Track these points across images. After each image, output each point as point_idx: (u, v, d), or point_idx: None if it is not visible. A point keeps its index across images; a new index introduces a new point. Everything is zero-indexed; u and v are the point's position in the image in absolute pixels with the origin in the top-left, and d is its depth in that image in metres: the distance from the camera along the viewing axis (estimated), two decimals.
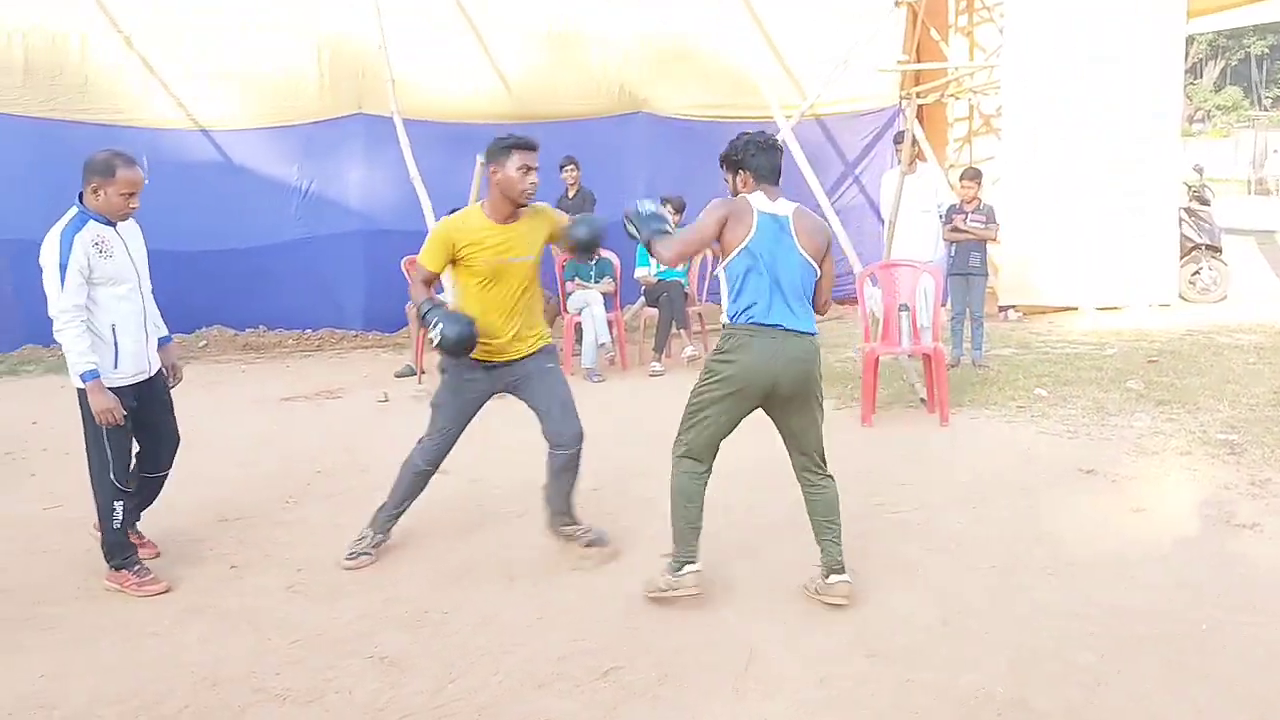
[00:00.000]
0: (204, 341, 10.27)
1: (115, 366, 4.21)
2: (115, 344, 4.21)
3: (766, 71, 11.15)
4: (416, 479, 4.53)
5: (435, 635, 3.77)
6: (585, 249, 4.44)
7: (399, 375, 8.80)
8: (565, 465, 4.44)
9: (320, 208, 10.51)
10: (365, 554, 4.46)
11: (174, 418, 4.60)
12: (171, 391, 4.64)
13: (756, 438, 6.13)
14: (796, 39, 11.57)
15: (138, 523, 4.65)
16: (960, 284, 8.23)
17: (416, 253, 8.75)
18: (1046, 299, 10.76)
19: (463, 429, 4.54)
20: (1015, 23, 10.89)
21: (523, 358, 4.43)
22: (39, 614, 4.02)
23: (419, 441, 4.55)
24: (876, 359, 6.83)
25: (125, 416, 4.16)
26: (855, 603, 3.88)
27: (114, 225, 4.23)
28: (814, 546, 4.49)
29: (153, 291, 4.57)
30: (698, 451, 3.92)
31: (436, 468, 4.54)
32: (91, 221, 4.14)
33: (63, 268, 4.03)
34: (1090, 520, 4.73)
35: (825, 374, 7.90)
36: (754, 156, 3.92)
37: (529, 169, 4.25)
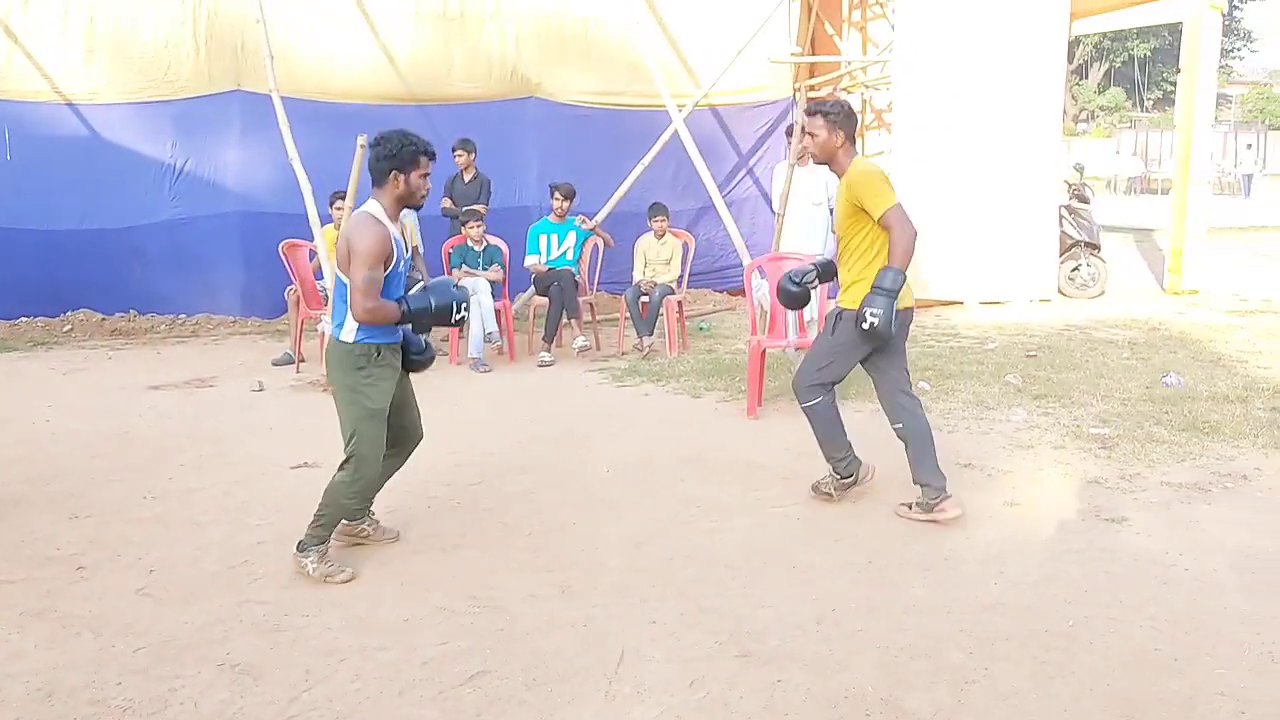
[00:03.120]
0: (69, 325, 9.78)
1: None
2: None
3: (661, 60, 11.07)
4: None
5: (294, 640, 3.60)
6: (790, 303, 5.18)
7: (276, 363, 8.49)
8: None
9: (196, 188, 10.07)
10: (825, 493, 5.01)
11: None
12: None
13: (645, 435, 6.08)
14: (691, 27, 11.50)
15: None
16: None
17: (296, 236, 8.61)
18: (933, 293, 10.93)
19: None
20: (906, 19, 11.00)
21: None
22: None
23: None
24: (763, 351, 6.82)
25: None
26: (725, 601, 3.83)
27: None
28: (692, 541, 4.47)
29: None
30: None
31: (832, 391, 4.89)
32: None
33: None
34: (966, 514, 4.76)
35: (715, 366, 7.96)
36: None
37: (802, 131, 4.82)
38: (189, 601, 3.91)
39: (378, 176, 4.03)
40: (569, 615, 3.77)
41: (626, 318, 9.17)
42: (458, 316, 4.04)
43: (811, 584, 4.02)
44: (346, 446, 4.07)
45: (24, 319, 9.78)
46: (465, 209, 9.09)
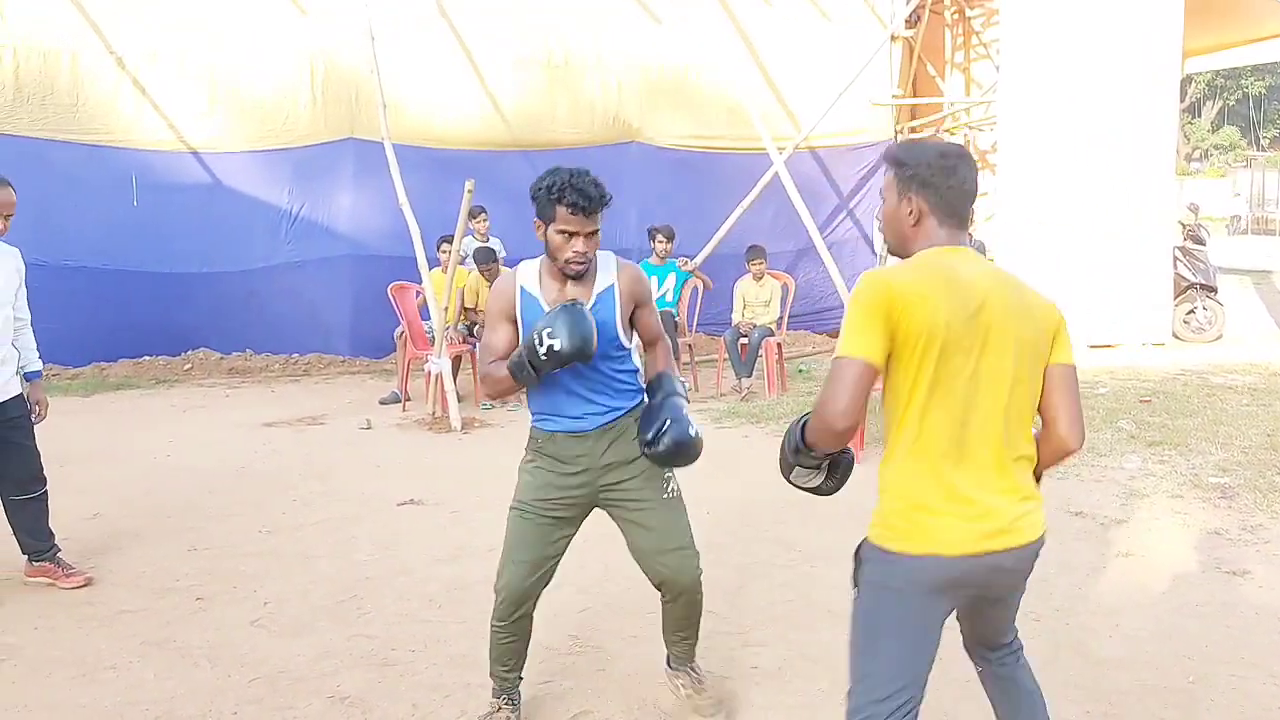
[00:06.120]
0: (189, 364, 10.18)
1: None
2: None
3: (760, 103, 11.14)
4: None
5: (401, 675, 3.66)
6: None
7: (384, 402, 8.70)
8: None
9: (310, 232, 10.43)
10: None
11: (30, 445, 4.53)
12: (31, 420, 4.55)
13: (745, 478, 6.04)
14: (791, 71, 11.57)
15: (57, 554, 4.61)
16: None
17: (405, 279, 8.84)
18: None
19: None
20: (1011, 59, 10.88)
21: None
22: None
23: None
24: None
25: None
26: (828, 648, 3.77)
27: None
28: (793, 586, 4.42)
29: (29, 321, 4.60)
30: None
31: None
32: None
33: None
34: (1078, 565, 4.63)
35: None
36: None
37: None
38: (300, 634, 4.01)
39: None
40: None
41: (725, 359, 9.18)
42: (543, 351, 2.87)
43: None
44: None
45: (146, 358, 10.20)
46: None
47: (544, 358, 2.88)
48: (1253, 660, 3.64)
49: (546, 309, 3.01)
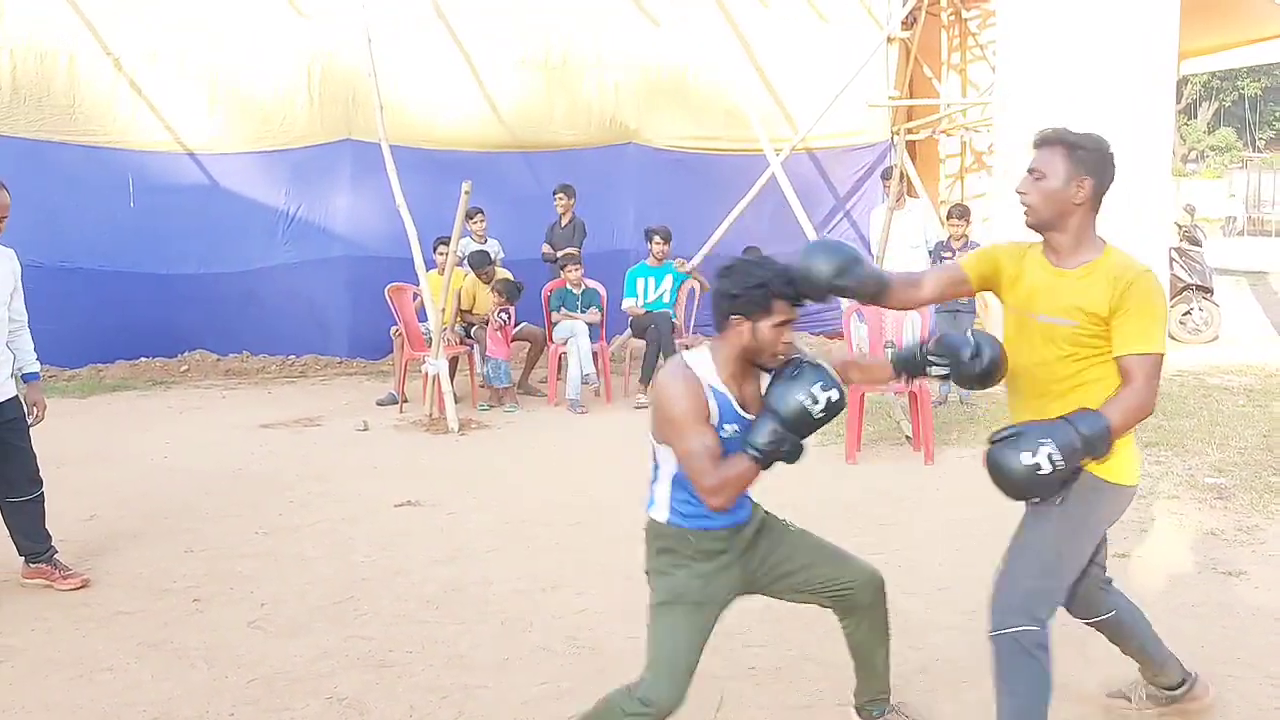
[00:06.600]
0: (186, 366, 10.18)
1: None
2: None
3: (758, 104, 11.14)
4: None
5: (399, 676, 3.66)
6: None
7: (381, 403, 8.70)
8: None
9: (307, 233, 10.43)
10: None
11: (26, 447, 4.51)
12: (28, 421, 4.55)
13: None
14: (788, 73, 11.56)
15: (54, 555, 4.60)
16: (948, 320, 8.16)
17: (402, 280, 8.84)
18: None
19: None
20: (1008, 60, 10.89)
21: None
22: None
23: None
24: (862, 396, 6.76)
25: None
26: (826, 649, 3.77)
27: None
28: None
29: (26, 322, 4.61)
30: None
31: None
32: None
33: None
34: None
35: None
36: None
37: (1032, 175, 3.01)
38: (297, 635, 4.02)
39: (717, 319, 2.79)
40: None
41: None
42: (820, 408, 2.68)
43: (913, 632, 3.96)
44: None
45: (143, 359, 10.19)
46: (562, 253, 9.25)
47: (819, 416, 2.68)
48: (1249, 661, 3.64)
49: (737, 407, 2.78)
